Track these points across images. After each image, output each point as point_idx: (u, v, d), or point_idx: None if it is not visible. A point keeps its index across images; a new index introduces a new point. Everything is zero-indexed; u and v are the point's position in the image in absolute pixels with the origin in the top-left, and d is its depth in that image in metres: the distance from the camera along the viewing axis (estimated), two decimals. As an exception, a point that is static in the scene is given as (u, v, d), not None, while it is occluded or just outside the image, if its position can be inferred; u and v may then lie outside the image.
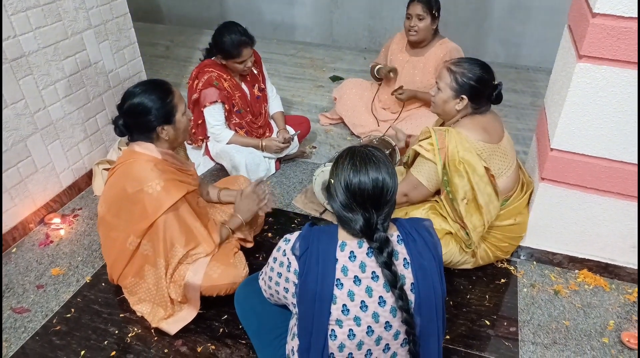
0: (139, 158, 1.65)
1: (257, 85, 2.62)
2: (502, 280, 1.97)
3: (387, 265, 1.21)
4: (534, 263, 2.05)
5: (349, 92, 2.94)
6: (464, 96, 1.77)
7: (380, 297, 1.19)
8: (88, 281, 1.96)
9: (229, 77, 2.47)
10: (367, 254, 1.21)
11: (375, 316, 1.18)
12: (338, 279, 1.19)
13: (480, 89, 1.75)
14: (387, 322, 1.19)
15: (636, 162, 1.67)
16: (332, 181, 1.24)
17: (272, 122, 2.77)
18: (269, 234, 2.22)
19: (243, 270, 1.76)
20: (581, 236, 1.92)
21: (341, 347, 1.20)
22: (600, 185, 1.76)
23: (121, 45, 2.56)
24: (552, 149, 1.78)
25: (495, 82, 1.78)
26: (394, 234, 1.25)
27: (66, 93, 2.25)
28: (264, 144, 2.54)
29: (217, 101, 2.42)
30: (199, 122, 2.54)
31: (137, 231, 1.66)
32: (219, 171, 2.64)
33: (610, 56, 1.51)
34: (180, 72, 3.98)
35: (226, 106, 2.46)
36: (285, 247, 1.28)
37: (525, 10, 3.89)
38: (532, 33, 3.96)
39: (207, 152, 2.66)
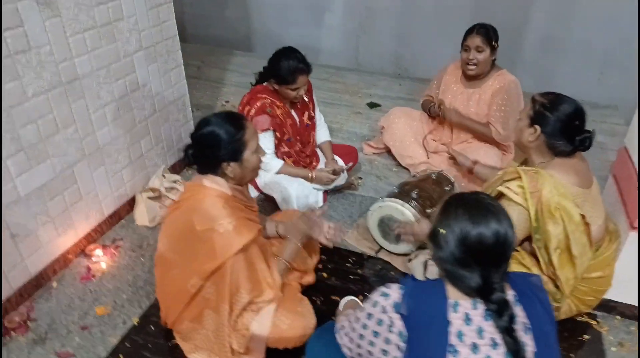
0: (208, 194, 1.53)
1: (307, 113, 2.51)
2: (585, 336, 1.81)
3: (509, 330, 1.07)
4: (617, 317, 1.90)
5: (398, 122, 2.83)
6: (537, 127, 1.66)
7: None
8: (136, 323, 1.81)
9: (282, 104, 2.36)
10: (484, 317, 1.08)
11: None
12: (452, 345, 1.05)
13: (558, 124, 1.64)
14: None
15: None
16: (443, 231, 1.10)
17: (318, 151, 2.65)
18: (324, 274, 2.07)
19: (312, 320, 1.62)
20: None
21: None
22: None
23: (168, 67, 2.46)
24: (648, 198, 1.64)
25: (586, 128, 1.66)
26: (509, 293, 1.11)
27: (114, 117, 2.14)
28: (314, 175, 2.41)
29: (268, 129, 2.30)
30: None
31: (201, 273, 1.52)
32: (263, 202, 2.51)
33: None
34: (214, 94, 3.89)
35: (277, 134, 2.35)
36: (385, 303, 1.13)
37: (559, 44, 3.80)
38: (564, 67, 3.86)
39: (252, 181, 2.53)
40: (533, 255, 1.75)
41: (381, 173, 2.87)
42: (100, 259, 2.11)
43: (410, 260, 2.09)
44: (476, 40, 2.42)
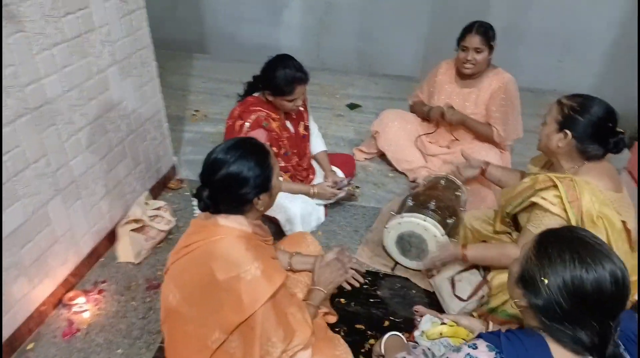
0: (227, 234, 1.31)
1: (302, 123, 2.32)
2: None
3: None
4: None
5: (392, 126, 2.69)
6: (567, 131, 1.56)
7: None
8: (142, 385, 1.56)
9: (278, 116, 2.15)
10: None
11: None
12: None
13: (590, 128, 1.55)
14: None
15: None
16: (545, 280, 0.94)
17: (313, 162, 2.46)
18: (342, 300, 1.90)
19: (352, 363, 1.44)
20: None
21: None
22: None
23: (143, 81, 2.18)
24: (683, 198, 1.60)
25: (618, 129, 1.58)
26: (618, 342, 0.98)
27: (89, 142, 1.85)
28: (316, 191, 2.22)
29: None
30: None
31: (226, 326, 1.30)
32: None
33: None
34: (180, 103, 3.59)
35: (274, 148, 2.14)
36: None
37: (519, 32, 3.82)
38: (525, 55, 3.89)
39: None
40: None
41: (378, 180, 2.73)
42: (83, 308, 1.82)
43: (432, 276, 1.97)
44: (475, 41, 2.32)
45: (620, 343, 0.98)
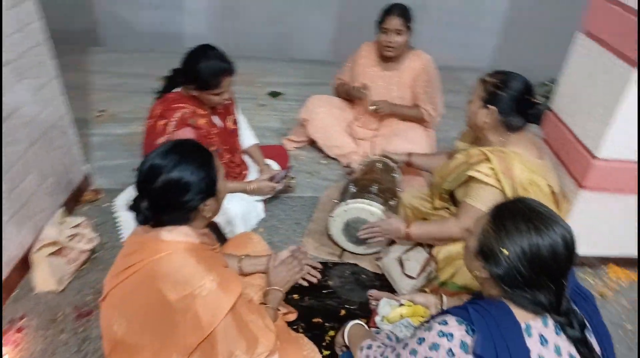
0: (173, 249, 1.18)
1: (230, 117, 2.19)
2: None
3: (584, 340, 1.01)
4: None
5: (319, 112, 2.65)
6: (492, 107, 1.65)
7: None
8: None
9: (205, 112, 2.00)
10: (555, 332, 1.00)
11: None
12: None
13: (512, 102, 1.65)
14: None
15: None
16: (505, 251, 0.99)
17: (245, 158, 2.35)
18: (295, 296, 1.84)
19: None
20: (612, 236, 1.97)
21: None
22: (634, 188, 1.80)
23: (41, 82, 1.90)
24: (595, 158, 1.76)
25: (534, 100, 1.69)
26: (569, 298, 1.05)
27: (-16, 161, 1.57)
28: (253, 187, 2.12)
29: (194, 144, 1.94)
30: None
31: (184, 349, 1.18)
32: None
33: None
34: (83, 103, 3.23)
35: (204, 147, 1.99)
36: (450, 345, 0.99)
37: (430, 12, 3.98)
38: (434, 33, 4.00)
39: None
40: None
41: (311, 168, 2.69)
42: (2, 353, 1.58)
43: (380, 259, 1.99)
44: (395, 22, 2.34)
45: (570, 298, 1.05)
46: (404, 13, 2.35)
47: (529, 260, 0.97)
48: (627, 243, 1.99)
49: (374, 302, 1.75)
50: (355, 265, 2.03)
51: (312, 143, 2.83)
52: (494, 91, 1.66)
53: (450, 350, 0.98)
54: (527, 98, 1.67)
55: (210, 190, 1.21)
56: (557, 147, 2.04)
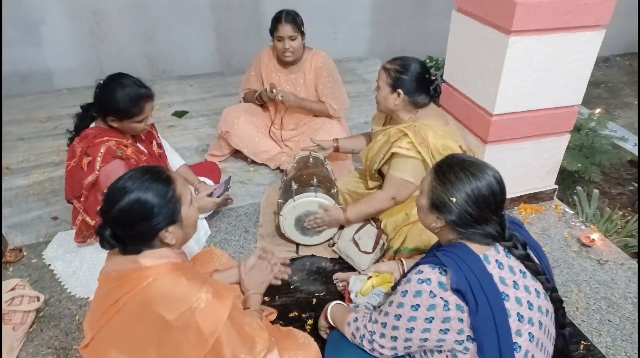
0: (158, 273, 1.19)
1: (154, 141, 2.15)
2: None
3: (528, 256, 1.23)
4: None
5: (238, 122, 2.69)
6: (400, 90, 1.87)
7: (535, 289, 1.20)
8: None
9: (129, 141, 1.95)
10: (506, 256, 1.22)
11: (540, 309, 1.19)
12: (502, 292, 1.15)
13: (414, 83, 1.88)
14: (546, 309, 1.22)
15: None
16: (454, 199, 1.19)
17: (176, 179, 2.31)
18: (266, 298, 1.89)
19: (316, 345, 1.49)
20: (516, 180, 2.32)
21: (526, 354, 1.16)
22: (527, 132, 2.16)
23: None
24: (493, 115, 2.07)
25: (432, 77, 1.94)
26: (509, 225, 1.26)
27: None
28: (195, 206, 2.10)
29: (126, 175, 1.89)
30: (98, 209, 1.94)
31: (192, 366, 1.20)
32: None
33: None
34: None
35: (136, 176, 1.94)
36: (430, 288, 1.15)
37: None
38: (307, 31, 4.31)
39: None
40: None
41: (242, 177, 2.72)
42: None
43: (334, 244, 2.12)
44: (287, 29, 2.44)
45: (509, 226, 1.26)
46: (294, 19, 2.46)
47: (474, 201, 1.17)
48: (528, 182, 2.37)
49: (340, 284, 1.89)
50: (313, 255, 2.13)
51: (234, 154, 2.86)
52: (397, 76, 1.87)
53: (431, 291, 1.14)
54: (426, 77, 1.91)
55: (173, 216, 1.22)
56: (456, 112, 2.34)
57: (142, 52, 4.04)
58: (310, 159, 2.33)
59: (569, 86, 2.08)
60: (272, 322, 1.72)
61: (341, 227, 2.11)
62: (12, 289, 1.79)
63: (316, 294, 1.93)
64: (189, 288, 1.19)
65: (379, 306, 1.39)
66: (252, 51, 4.22)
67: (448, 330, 1.15)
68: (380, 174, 2.10)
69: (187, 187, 1.30)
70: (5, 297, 1.75)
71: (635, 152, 3.19)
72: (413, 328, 1.18)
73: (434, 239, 1.87)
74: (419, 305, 1.16)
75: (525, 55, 1.92)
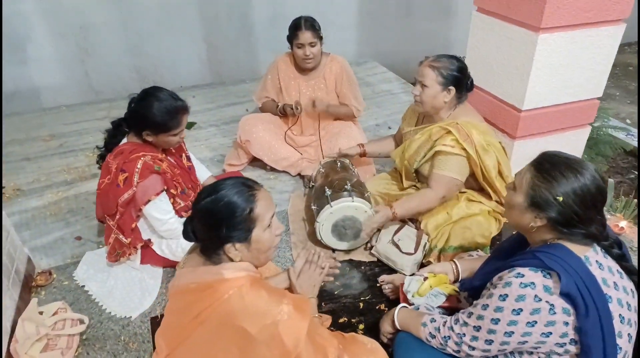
0: (239, 285, 1.18)
1: (183, 154, 2.12)
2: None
3: (624, 256, 1.20)
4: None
5: (257, 131, 2.66)
6: (451, 87, 1.87)
7: (631, 290, 1.18)
8: None
9: (163, 156, 1.92)
10: (604, 256, 1.18)
11: (636, 309, 1.17)
12: (606, 294, 1.12)
13: (462, 78, 1.90)
14: (635, 307, 1.19)
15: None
16: (560, 198, 1.12)
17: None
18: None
19: (381, 348, 1.48)
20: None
21: (625, 355, 1.15)
22: (552, 126, 2.21)
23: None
24: (521, 111, 2.11)
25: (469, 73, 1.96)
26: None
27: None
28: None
29: (163, 190, 1.86)
30: (133, 226, 1.90)
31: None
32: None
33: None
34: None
35: (172, 190, 1.91)
36: (534, 292, 1.11)
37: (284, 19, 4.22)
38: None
39: (148, 259, 2.03)
40: (480, 190, 2.03)
41: (265, 184, 2.67)
42: None
43: (372, 247, 2.11)
44: (308, 36, 2.45)
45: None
46: (313, 25, 2.47)
47: (582, 199, 1.12)
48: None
49: (386, 286, 1.88)
50: (351, 260, 2.13)
51: (253, 162, 2.84)
52: (449, 74, 1.85)
53: (536, 295, 1.09)
54: (467, 73, 1.93)
55: (242, 233, 1.20)
56: (480, 110, 2.37)
57: (132, 65, 3.96)
58: (338, 163, 2.33)
59: (591, 79, 2.14)
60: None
61: (377, 231, 2.11)
62: (55, 313, 1.74)
63: (362, 298, 1.92)
64: (271, 302, 1.17)
65: (469, 308, 1.28)
66: (242, 59, 4.29)
67: (551, 333, 1.12)
68: (417, 174, 2.10)
69: (271, 211, 1.27)
70: (48, 322, 1.69)
71: (629, 142, 3.27)
72: (512, 333, 1.14)
73: (477, 237, 1.91)
74: (521, 310, 1.11)
75: (553, 51, 1.96)
